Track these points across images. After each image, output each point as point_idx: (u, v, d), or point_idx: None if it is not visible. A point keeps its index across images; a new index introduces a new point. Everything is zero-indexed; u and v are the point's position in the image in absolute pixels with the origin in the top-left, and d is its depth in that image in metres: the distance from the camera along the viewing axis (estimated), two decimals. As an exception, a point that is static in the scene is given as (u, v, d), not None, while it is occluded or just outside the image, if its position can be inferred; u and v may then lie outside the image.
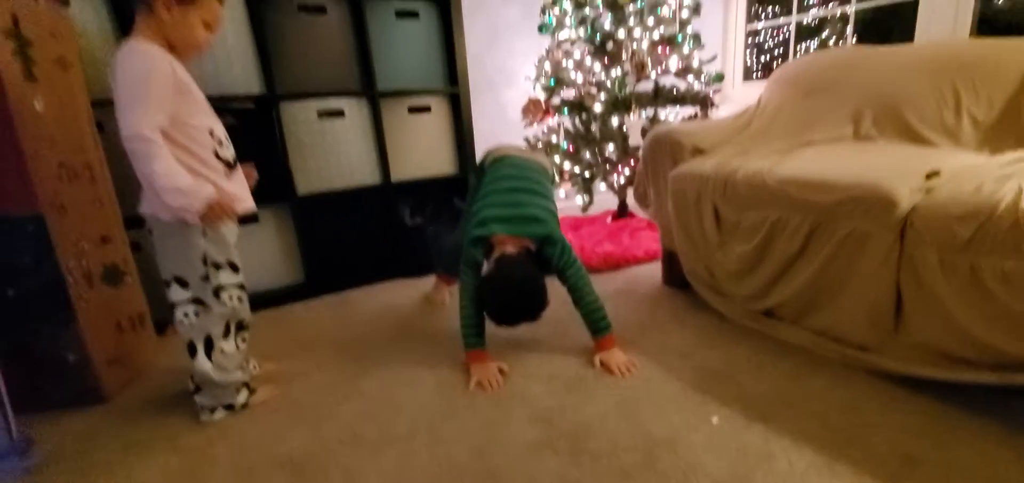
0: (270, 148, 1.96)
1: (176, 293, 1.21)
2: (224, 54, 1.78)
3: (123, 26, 1.67)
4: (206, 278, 1.22)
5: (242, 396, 1.34)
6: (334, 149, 2.10)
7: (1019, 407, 1.12)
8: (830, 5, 2.65)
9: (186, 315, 1.22)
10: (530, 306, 1.42)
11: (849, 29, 2.55)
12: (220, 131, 1.22)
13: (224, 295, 1.26)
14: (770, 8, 2.88)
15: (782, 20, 2.77)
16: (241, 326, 1.35)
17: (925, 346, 1.20)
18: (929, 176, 1.25)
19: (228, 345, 1.29)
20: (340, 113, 2.07)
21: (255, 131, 1.91)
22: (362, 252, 2.26)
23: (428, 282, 2.19)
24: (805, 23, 2.68)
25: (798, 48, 2.75)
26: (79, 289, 1.39)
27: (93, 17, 1.63)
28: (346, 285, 2.23)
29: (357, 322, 1.90)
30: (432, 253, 2.28)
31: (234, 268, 1.27)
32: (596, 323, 1.49)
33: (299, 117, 2.00)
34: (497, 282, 1.42)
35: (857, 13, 2.49)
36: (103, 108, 1.60)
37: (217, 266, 1.23)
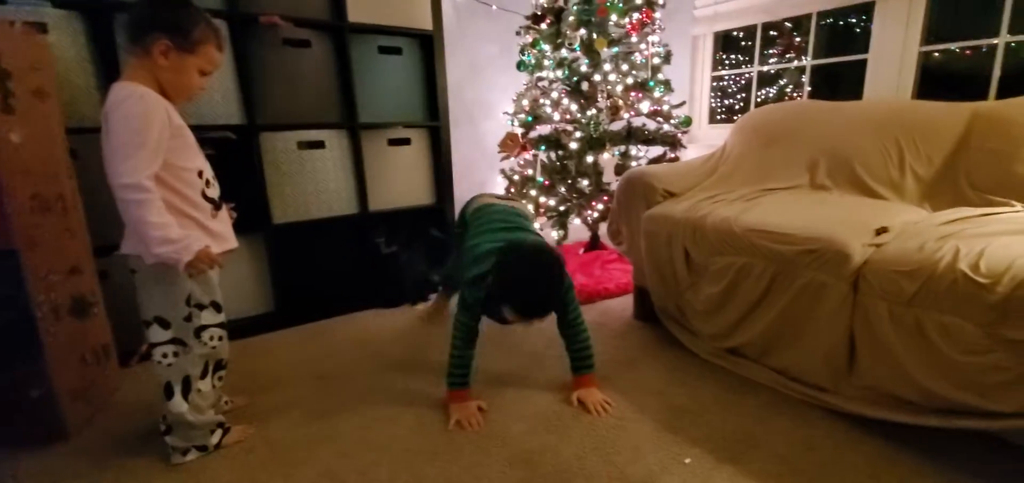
0: (248, 177, 1.95)
1: (156, 334, 1.19)
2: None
3: (102, 53, 1.65)
4: (189, 318, 1.20)
5: (215, 437, 1.31)
6: (312, 179, 2.10)
7: (963, 454, 1.21)
8: (787, 56, 2.84)
9: (165, 356, 1.20)
10: (552, 275, 1.37)
11: (805, 78, 2.73)
12: (208, 171, 1.22)
13: (205, 335, 1.24)
14: (733, 56, 3.06)
15: (744, 69, 2.95)
16: (219, 366, 1.33)
17: (876, 389, 1.30)
18: (879, 232, 1.37)
19: (205, 385, 1.27)
20: (320, 144, 2.09)
21: (234, 160, 1.89)
22: (335, 282, 2.24)
23: (402, 313, 2.20)
24: (764, 71, 2.86)
25: (758, 94, 2.93)
26: (47, 323, 1.34)
27: (71, 44, 1.60)
28: (317, 315, 2.20)
29: (331, 355, 1.88)
30: (404, 280, 2.29)
31: (217, 308, 1.26)
32: (582, 360, 1.52)
33: (279, 147, 2.00)
34: (511, 258, 1.37)
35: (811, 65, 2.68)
36: (78, 136, 1.57)
37: (201, 306, 1.22)
